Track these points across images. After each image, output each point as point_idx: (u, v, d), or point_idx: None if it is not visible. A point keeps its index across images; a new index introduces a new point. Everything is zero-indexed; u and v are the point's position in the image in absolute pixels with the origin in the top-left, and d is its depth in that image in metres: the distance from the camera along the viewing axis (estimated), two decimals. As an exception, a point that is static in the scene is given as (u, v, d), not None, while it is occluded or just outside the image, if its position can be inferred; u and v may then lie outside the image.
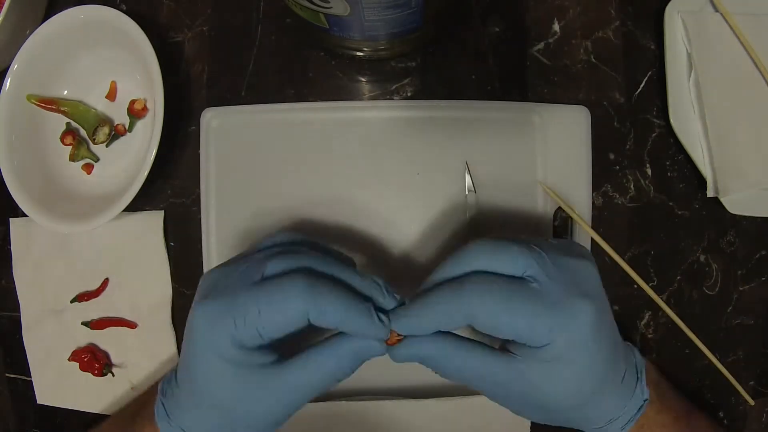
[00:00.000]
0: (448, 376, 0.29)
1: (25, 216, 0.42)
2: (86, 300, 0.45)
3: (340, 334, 0.29)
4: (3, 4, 0.41)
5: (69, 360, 0.45)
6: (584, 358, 0.27)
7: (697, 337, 0.42)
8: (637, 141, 0.43)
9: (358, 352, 0.28)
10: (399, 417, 0.40)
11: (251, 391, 0.28)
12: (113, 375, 0.45)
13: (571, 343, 0.27)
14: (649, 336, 0.43)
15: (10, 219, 0.46)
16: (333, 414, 0.40)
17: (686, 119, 0.42)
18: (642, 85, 0.43)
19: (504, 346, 0.29)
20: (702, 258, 0.43)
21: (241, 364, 0.28)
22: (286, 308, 0.27)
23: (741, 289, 0.43)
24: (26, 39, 0.42)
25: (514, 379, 0.28)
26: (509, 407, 0.30)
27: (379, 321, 0.28)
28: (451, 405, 0.40)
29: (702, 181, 0.42)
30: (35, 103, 0.43)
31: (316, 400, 0.40)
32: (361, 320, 0.27)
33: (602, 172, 0.43)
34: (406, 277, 0.42)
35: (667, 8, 0.42)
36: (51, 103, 0.44)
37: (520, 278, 0.28)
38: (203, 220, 0.43)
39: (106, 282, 0.45)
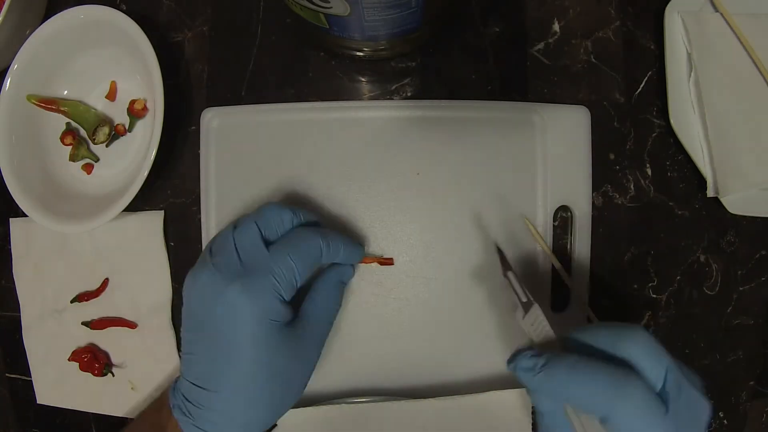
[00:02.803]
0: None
1: (25, 216, 0.42)
2: (86, 300, 0.45)
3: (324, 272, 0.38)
4: (3, 4, 0.41)
5: (69, 360, 0.45)
6: None
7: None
8: (637, 141, 0.43)
9: (341, 277, 0.39)
10: (401, 417, 0.40)
11: (291, 345, 0.33)
12: (113, 375, 0.45)
13: None
14: (649, 336, 0.43)
15: (10, 219, 0.47)
16: (335, 416, 0.40)
17: (686, 119, 0.42)
18: (642, 85, 0.43)
19: None
20: (702, 258, 0.43)
21: (282, 323, 0.33)
22: (311, 249, 0.34)
23: (741, 289, 0.43)
24: (26, 39, 0.42)
25: None
26: None
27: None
28: (452, 404, 0.40)
29: (702, 181, 0.42)
30: (35, 103, 0.43)
31: (317, 402, 0.40)
32: (357, 248, 0.38)
33: (602, 172, 0.43)
34: (406, 277, 0.42)
35: (667, 8, 0.42)
36: (51, 103, 0.44)
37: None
38: (203, 220, 0.43)
39: (106, 282, 0.45)
